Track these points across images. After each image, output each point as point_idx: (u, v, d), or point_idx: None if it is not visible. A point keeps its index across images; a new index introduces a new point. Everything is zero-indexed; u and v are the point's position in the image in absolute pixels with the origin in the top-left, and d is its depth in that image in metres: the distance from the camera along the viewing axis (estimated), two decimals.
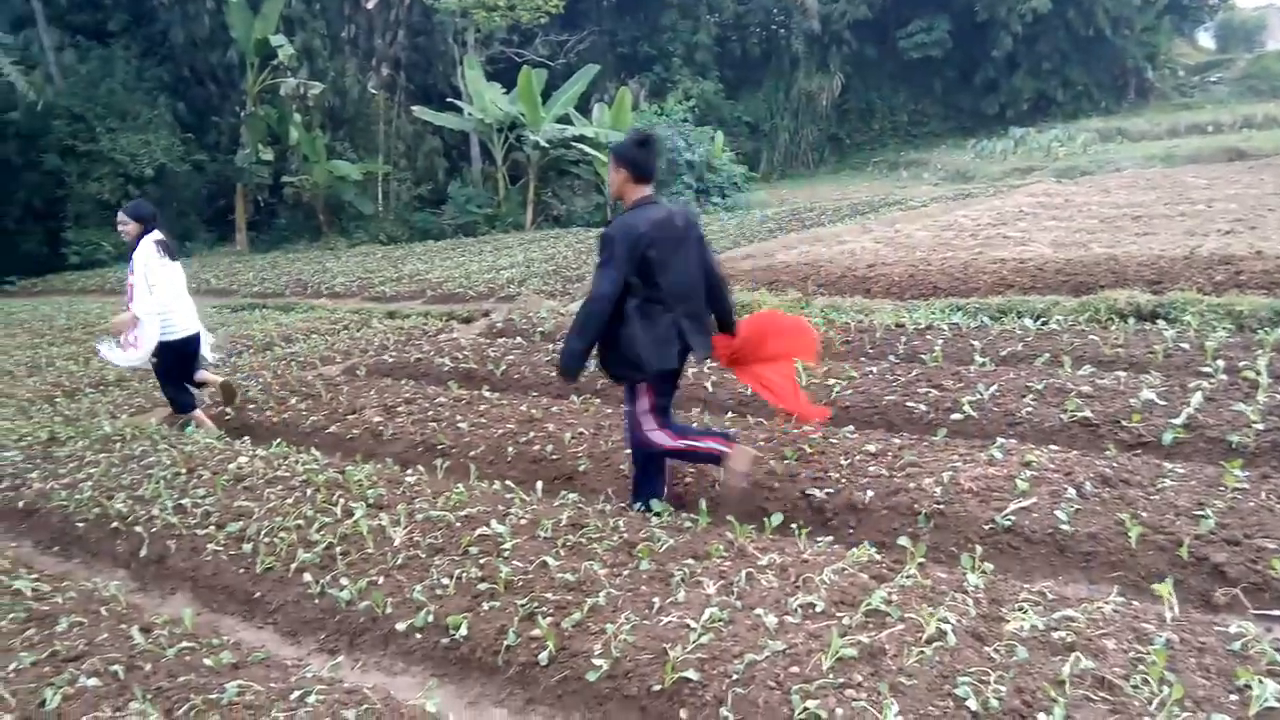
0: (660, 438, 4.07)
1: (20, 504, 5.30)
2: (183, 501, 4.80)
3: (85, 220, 23.32)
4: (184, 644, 3.36)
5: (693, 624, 3.09)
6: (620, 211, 4.05)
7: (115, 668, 3.18)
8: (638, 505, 4.26)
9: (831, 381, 5.83)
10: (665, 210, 4.00)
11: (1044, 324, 6.99)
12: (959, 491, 4.02)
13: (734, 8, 36.96)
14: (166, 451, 5.70)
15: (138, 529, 4.62)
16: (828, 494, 4.22)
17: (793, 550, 3.62)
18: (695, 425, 4.87)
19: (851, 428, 5.05)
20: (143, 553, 4.46)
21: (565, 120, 24.47)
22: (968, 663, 2.76)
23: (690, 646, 2.96)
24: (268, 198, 26.27)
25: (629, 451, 4.42)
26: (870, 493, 4.13)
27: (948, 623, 2.94)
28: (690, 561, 3.55)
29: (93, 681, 3.11)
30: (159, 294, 6.10)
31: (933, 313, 7.83)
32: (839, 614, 3.09)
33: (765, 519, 4.04)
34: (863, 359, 6.51)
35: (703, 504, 4.17)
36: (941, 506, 3.94)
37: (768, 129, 36.33)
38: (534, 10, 25.33)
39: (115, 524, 4.73)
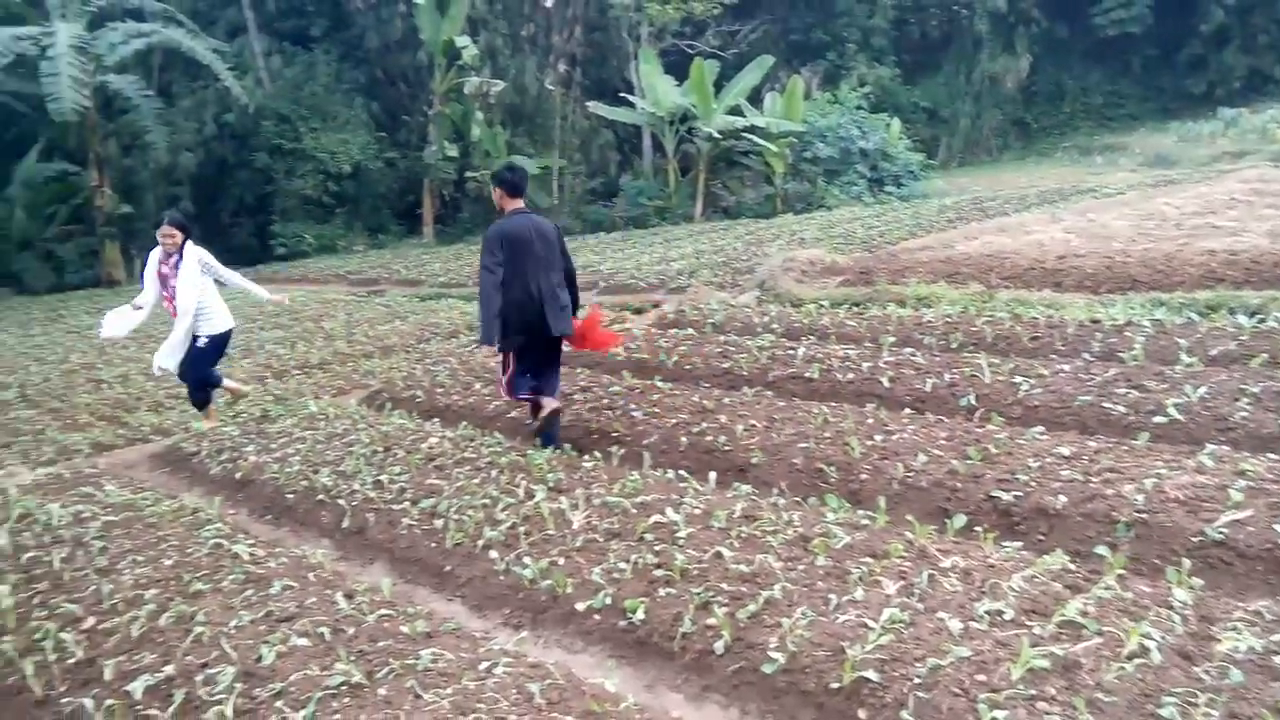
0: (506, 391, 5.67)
1: (238, 475, 5.81)
2: (380, 478, 5.14)
3: (290, 215, 25.19)
4: (383, 611, 3.59)
5: (871, 624, 3.04)
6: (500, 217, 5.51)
7: (322, 630, 3.43)
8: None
9: (1018, 379, 5.56)
10: (529, 220, 5.42)
11: (1260, 321, 6.41)
12: (1163, 500, 3.76)
13: None
14: (365, 431, 6.10)
15: (340, 502, 4.98)
16: (1015, 497, 4.03)
17: (978, 554, 3.49)
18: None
19: (1041, 429, 4.80)
20: (344, 524, 4.80)
21: (736, 111, 24.37)
22: (1173, 682, 2.59)
23: (869, 646, 2.92)
24: (452, 192, 27.52)
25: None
26: (1063, 498, 3.93)
27: (1151, 639, 2.76)
28: (868, 560, 3.48)
29: (303, 641, 3.36)
30: (227, 282, 7.04)
31: (1131, 308, 7.33)
32: (1029, 623, 2.96)
33: (947, 520, 3.92)
34: (1053, 356, 6.17)
35: (881, 502, 4.08)
36: (1144, 516, 3.70)
37: (947, 115, 34.87)
38: (707, 1, 25.34)
39: (321, 496, 5.12)
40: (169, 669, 3.25)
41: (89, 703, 3.14)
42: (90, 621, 3.73)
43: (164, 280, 6.72)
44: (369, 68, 27.79)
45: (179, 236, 6.69)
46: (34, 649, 3.59)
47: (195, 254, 6.75)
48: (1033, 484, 4.10)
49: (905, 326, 7.40)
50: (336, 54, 27.60)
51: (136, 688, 3.16)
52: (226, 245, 25.20)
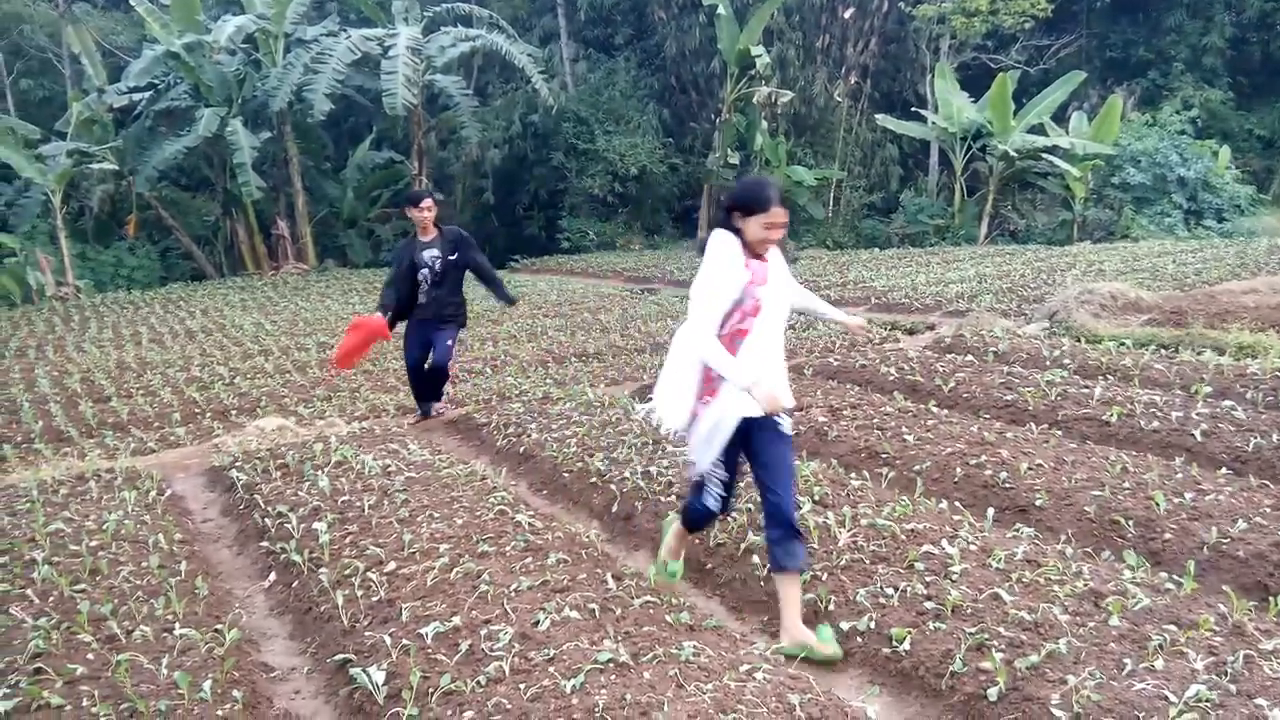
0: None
1: (521, 449, 6.23)
2: (649, 468, 5.31)
3: (577, 211, 26.69)
4: (647, 598, 3.70)
5: (1172, 698, 2.76)
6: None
7: (592, 606, 3.59)
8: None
9: None
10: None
11: None
12: None
13: (1260, 4, 31.80)
14: (636, 422, 6.32)
15: (611, 487, 5.20)
16: None
17: None
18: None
19: None
20: (614, 508, 5.01)
21: (1038, 130, 22.93)
22: None
23: None
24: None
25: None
26: None
27: None
28: (1171, 628, 3.16)
29: (574, 614, 3.53)
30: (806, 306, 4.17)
31: None
32: None
33: (1270, 598, 3.47)
34: None
35: (1190, 566, 3.69)
36: None
37: None
38: (1018, 15, 23.98)
39: (594, 479, 5.37)
40: (456, 620, 3.51)
41: (387, 639, 3.45)
42: (391, 565, 4.12)
43: (747, 293, 3.49)
44: (664, 75, 28.80)
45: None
46: (344, 583, 4.03)
47: (782, 260, 3.75)
48: None
49: (1225, 377, 6.64)
50: (635, 61, 28.86)
51: (428, 632, 3.44)
52: (519, 235, 27.16)
